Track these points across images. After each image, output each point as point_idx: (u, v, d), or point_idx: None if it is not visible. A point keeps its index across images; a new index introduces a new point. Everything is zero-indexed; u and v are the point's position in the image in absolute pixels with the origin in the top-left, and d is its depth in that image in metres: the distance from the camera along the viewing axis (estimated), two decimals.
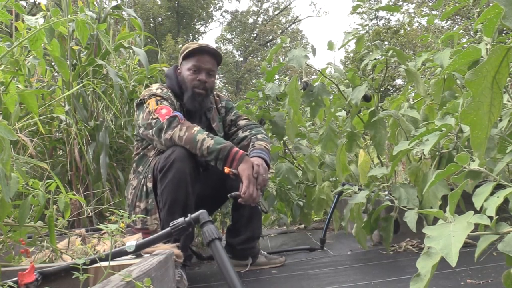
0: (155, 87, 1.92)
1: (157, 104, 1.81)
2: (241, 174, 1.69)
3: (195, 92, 1.93)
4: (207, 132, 1.73)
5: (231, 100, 2.26)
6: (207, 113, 2.05)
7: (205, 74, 1.94)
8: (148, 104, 1.83)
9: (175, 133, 1.72)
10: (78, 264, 0.87)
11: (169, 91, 1.93)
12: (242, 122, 2.09)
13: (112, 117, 2.64)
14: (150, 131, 1.78)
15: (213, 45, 2.04)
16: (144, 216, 1.78)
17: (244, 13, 28.27)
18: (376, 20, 21.29)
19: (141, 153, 1.94)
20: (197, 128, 1.73)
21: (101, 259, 0.96)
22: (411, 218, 1.60)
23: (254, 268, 1.97)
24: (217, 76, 2.14)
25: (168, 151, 1.73)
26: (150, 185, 1.81)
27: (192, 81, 1.93)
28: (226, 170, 1.69)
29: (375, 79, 2.26)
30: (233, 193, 1.70)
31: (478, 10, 2.11)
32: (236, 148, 1.72)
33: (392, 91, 16.05)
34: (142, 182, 1.85)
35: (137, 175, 1.91)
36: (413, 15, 18.50)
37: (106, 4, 2.89)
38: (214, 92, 2.15)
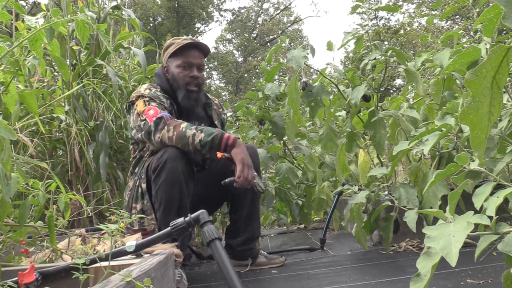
0: (143, 88, 1.91)
1: (144, 105, 1.81)
2: (234, 158, 1.68)
3: (188, 90, 1.93)
4: (195, 126, 1.73)
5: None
6: (207, 109, 2.05)
7: (196, 70, 1.94)
8: (137, 105, 1.83)
9: (163, 135, 1.71)
10: (78, 264, 0.87)
11: (158, 90, 1.92)
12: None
13: (112, 117, 2.65)
14: (140, 134, 1.79)
15: (213, 45, 2.03)
16: (141, 216, 1.78)
17: (245, 11, 28.24)
18: (376, 20, 21.27)
19: (138, 156, 1.94)
20: (184, 124, 1.72)
21: (101, 259, 0.96)
22: (411, 218, 1.60)
23: (254, 268, 1.97)
24: (216, 76, 2.17)
25: (161, 151, 1.73)
26: (144, 186, 1.81)
27: (184, 78, 1.92)
28: (219, 154, 1.68)
29: (375, 79, 2.26)
30: (226, 180, 1.68)
31: (478, 10, 2.11)
32: (227, 134, 1.72)
33: (392, 91, 16.05)
34: (137, 183, 1.85)
35: (133, 176, 1.92)
36: (413, 15, 18.48)
37: (106, 4, 2.89)
38: (217, 100, 2.17)
